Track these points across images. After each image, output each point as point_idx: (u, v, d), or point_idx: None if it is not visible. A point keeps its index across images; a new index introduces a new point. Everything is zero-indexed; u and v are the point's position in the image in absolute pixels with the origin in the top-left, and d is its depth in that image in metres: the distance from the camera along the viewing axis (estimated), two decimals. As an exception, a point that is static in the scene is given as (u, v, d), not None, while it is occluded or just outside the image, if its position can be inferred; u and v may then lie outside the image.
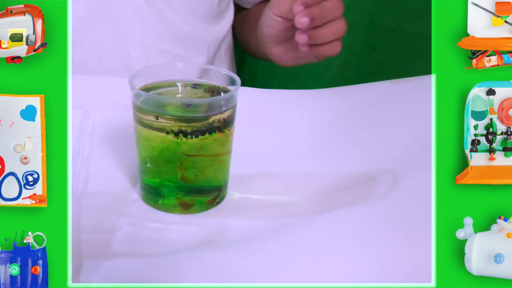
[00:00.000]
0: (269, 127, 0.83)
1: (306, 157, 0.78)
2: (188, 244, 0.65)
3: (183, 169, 0.69)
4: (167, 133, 0.68)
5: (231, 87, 0.72)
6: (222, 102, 0.69)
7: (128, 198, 0.71)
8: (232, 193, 0.73)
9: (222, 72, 0.74)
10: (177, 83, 0.73)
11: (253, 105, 0.84)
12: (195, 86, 0.73)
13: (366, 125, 0.82)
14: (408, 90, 0.86)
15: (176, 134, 0.67)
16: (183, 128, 0.67)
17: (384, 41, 1.22)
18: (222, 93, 0.72)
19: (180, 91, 0.73)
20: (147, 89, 0.71)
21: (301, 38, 0.90)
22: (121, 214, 0.68)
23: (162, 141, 0.68)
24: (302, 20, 0.88)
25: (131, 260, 0.62)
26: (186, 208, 0.70)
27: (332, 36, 0.91)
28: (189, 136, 0.68)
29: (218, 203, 0.72)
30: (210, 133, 0.68)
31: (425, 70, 0.82)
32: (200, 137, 0.68)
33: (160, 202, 0.70)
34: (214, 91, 0.73)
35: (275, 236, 0.65)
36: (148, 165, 0.70)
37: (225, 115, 0.69)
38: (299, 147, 0.79)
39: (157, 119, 0.68)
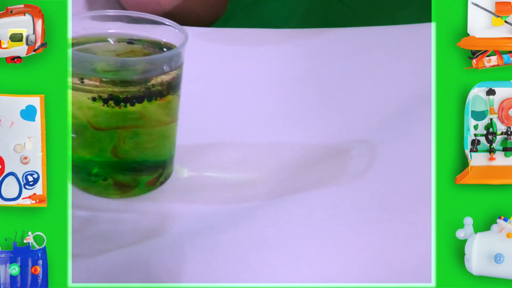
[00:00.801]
0: (221, 84, 0.70)
1: (267, 123, 0.67)
2: (124, 239, 0.54)
3: (117, 143, 0.56)
4: (94, 99, 0.54)
5: (175, 42, 0.58)
6: (164, 61, 0.56)
7: None
8: (180, 170, 0.61)
9: (164, 23, 0.59)
10: (108, 38, 0.60)
11: (200, 53, 0.70)
12: (131, 41, 0.60)
13: (334, 83, 0.71)
14: (381, 40, 0.76)
15: (106, 101, 0.54)
16: (115, 94, 0.54)
17: None
18: (165, 50, 0.59)
19: (112, 48, 0.59)
20: (69, 44, 0.58)
21: None
22: None
23: (89, 108, 0.55)
24: None
25: None
26: (123, 190, 0.58)
27: None
28: (122, 104, 0.55)
29: (162, 183, 0.60)
30: (149, 100, 0.55)
31: (390, 22, 0.78)
32: (137, 104, 0.55)
33: (89, 182, 0.57)
34: (156, 47, 0.59)
35: (233, 228, 0.55)
36: (73, 135, 0.57)
37: (168, 77, 0.56)
38: (258, 111, 0.68)
39: (82, 81, 0.55)
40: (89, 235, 0.55)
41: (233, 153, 0.63)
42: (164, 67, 0.56)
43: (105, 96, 0.55)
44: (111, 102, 0.55)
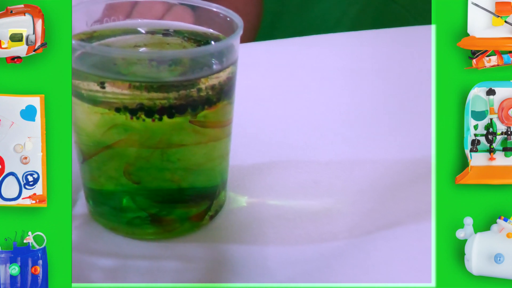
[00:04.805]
0: (283, 94, 0.57)
1: (341, 136, 0.54)
2: None
3: (149, 167, 0.43)
4: (118, 110, 0.41)
5: (225, 33, 0.44)
6: (214, 57, 0.42)
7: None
8: (235, 198, 0.47)
9: (212, 9, 0.45)
10: (139, 28, 0.47)
11: (255, 64, 0.59)
12: (168, 32, 0.46)
13: (411, 86, 0.58)
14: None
15: (134, 112, 0.41)
16: (147, 102, 0.40)
17: None
18: (213, 43, 0.45)
19: (143, 41, 0.46)
20: (88, 38, 0.47)
21: None
22: None
23: (111, 123, 0.43)
24: None
25: None
26: (161, 228, 0.44)
27: None
28: (156, 116, 0.41)
29: (212, 217, 0.46)
30: (194, 109, 0.41)
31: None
32: (177, 116, 0.41)
33: (117, 219, 0.44)
34: (201, 40, 0.45)
35: (309, 281, 0.41)
36: (93, 158, 0.45)
37: (220, 78, 0.42)
38: (329, 122, 0.55)
39: (103, 87, 0.42)
40: None
41: (301, 175, 0.50)
42: (214, 65, 0.42)
43: (133, 106, 0.41)
44: (141, 114, 0.42)
